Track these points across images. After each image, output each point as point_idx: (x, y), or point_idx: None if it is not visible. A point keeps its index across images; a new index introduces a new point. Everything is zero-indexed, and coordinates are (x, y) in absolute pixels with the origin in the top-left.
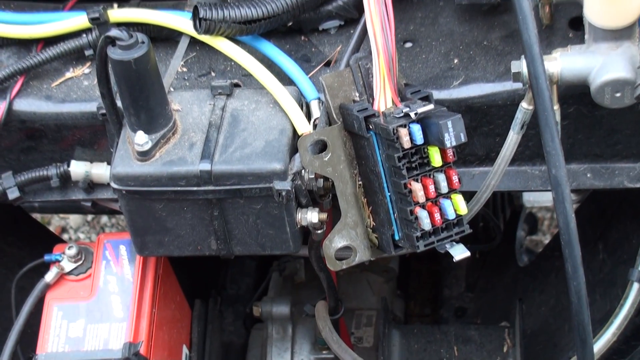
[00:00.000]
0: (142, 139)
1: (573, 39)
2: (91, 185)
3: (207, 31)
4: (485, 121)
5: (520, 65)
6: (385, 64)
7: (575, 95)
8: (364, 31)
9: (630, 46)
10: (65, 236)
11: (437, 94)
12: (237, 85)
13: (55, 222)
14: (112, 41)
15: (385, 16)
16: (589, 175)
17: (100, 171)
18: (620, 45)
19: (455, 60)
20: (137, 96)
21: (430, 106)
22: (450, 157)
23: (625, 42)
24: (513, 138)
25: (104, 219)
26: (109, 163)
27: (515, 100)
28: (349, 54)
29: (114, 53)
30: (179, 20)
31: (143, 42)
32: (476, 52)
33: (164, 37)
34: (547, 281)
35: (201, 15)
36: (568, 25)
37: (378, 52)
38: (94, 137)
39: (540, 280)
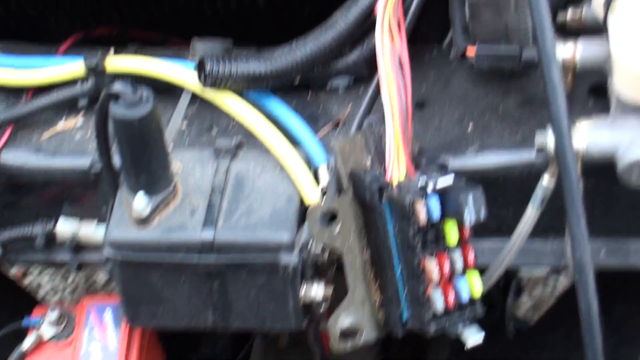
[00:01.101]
0: (141, 203)
1: (593, 107)
2: (78, 246)
3: (213, 85)
4: (500, 192)
5: (545, 137)
6: (401, 131)
7: (595, 169)
8: (377, 92)
9: None
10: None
11: (451, 162)
12: (241, 146)
13: None
14: (114, 97)
15: (401, 78)
16: (603, 252)
17: (88, 231)
18: None
19: (470, 127)
20: (139, 157)
21: (450, 179)
22: (467, 233)
23: None
24: (532, 214)
25: None
26: (99, 222)
27: (532, 172)
28: (360, 116)
29: (116, 110)
30: (182, 72)
31: (148, 99)
32: (492, 118)
33: (163, 88)
34: (542, 356)
35: (208, 69)
36: (588, 93)
37: (393, 117)
38: (85, 194)
39: (533, 355)
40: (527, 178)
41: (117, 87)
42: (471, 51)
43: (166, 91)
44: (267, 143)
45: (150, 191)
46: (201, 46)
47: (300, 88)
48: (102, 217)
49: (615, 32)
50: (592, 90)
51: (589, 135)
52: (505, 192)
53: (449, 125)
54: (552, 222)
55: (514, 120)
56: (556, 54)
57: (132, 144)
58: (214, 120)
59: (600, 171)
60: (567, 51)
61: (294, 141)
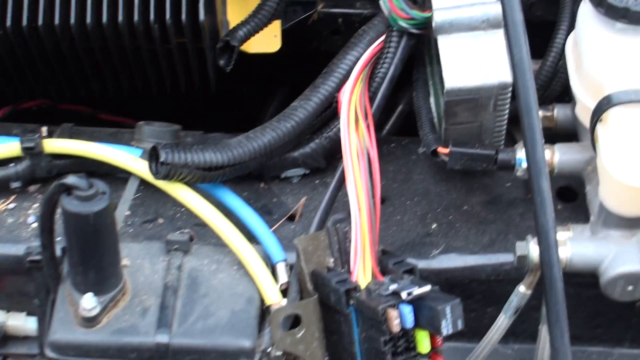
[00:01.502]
0: (89, 303)
1: (562, 211)
2: (5, 338)
3: (166, 177)
4: (464, 295)
5: (526, 248)
6: (368, 230)
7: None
8: (339, 186)
9: None
10: None
11: (416, 262)
12: (193, 239)
13: None
14: (66, 189)
15: (367, 172)
16: None
17: (17, 323)
18: (635, 234)
19: (434, 225)
20: (90, 254)
21: (427, 288)
22: (439, 342)
23: (639, 232)
24: (504, 322)
25: None
26: (28, 314)
27: (500, 276)
28: (321, 212)
29: (69, 204)
30: (128, 158)
31: (104, 193)
32: (456, 217)
33: (103, 173)
34: None
35: (162, 159)
36: (556, 196)
37: (360, 216)
38: (15, 284)
39: None
40: (494, 283)
41: (72, 179)
42: (444, 150)
43: (105, 176)
44: (224, 238)
45: (99, 289)
46: (149, 130)
47: (252, 178)
48: (33, 308)
49: (606, 144)
50: (560, 194)
51: (573, 247)
52: (469, 295)
53: (411, 223)
54: (512, 328)
55: (479, 221)
56: (546, 165)
57: (84, 240)
58: (159, 208)
59: (568, 277)
60: (546, 155)
61: (249, 236)
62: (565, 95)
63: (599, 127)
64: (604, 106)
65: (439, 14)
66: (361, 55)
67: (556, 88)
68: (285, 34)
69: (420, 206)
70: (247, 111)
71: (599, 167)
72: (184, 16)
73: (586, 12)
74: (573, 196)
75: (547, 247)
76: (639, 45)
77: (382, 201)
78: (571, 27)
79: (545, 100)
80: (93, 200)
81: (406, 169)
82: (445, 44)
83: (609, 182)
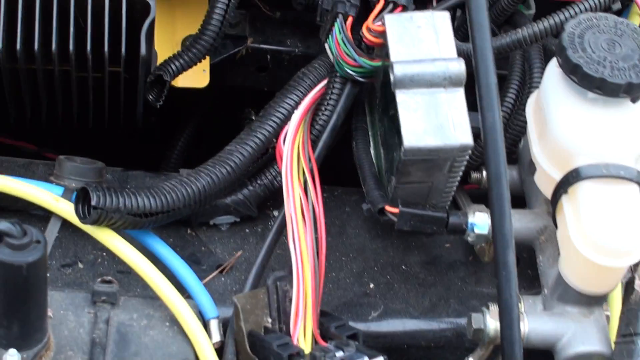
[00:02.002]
0: None
1: None
2: None
3: (96, 222)
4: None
5: (482, 322)
6: (312, 291)
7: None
8: (276, 239)
9: (601, 313)
10: None
11: (354, 324)
12: (109, 282)
13: None
14: None
15: (312, 228)
16: None
17: None
18: (593, 313)
19: (371, 285)
20: (18, 307)
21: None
22: None
23: (597, 309)
24: None
25: None
26: None
27: (441, 343)
28: (257, 267)
29: (1, 253)
30: (51, 198)
31: (39, 242)
32: (394, 277)
33: (15, 209)
34: None
35: (94, 203)
36: None
37: (303, 274)
38: None
39: None
40: (435, 349)
41: (3, 225)
42: (393, 210)
43: (17, 212)
44: (156, 291)
45: (23, 345)
46: (71, 167)
47: (178, 222)
48: None
49: (574, 219)
50: None
51: (530, 322)
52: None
53: (347, 281)
54: None
55: (418, 282)
56: (513, 237)
57: (13, 292)
58: (79, 251)
59: None
60: None
61: (179, 288)
62: (512, 154)
63: (565, 200)
64: (572, 179)
65: (400, 68)
66: (301, 99)
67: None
68: (210, 67)
69: (357, 263)
70: (156, 144)
71: (562, 241)
72: (123, 48)
73: (555, 77)
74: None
75: (510, 324)
76: (609, 116)
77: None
78: (521, 84)
79: None
80: (27, 250)
81: (340, 221)
82: (404, 100)
83: (574, 258)
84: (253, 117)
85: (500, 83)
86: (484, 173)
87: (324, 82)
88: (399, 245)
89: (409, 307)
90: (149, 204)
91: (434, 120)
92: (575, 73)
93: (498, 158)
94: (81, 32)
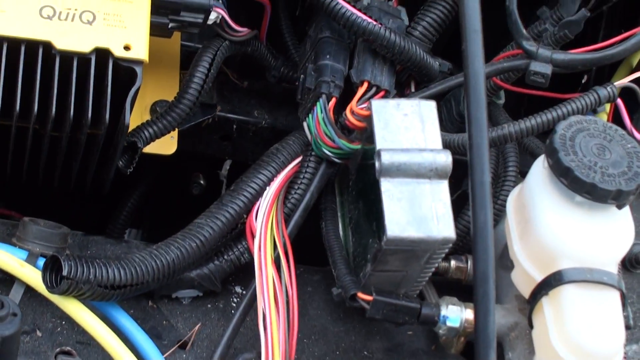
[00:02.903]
0: None
1: None
2: None
3: (65, 292)
4: None
5: None
6: None
7: None
8: (243, 318)
9: None
10: None
11: None
12: (68, 353)
13: None
14: None
15: (285, 312)
16: None
17: None
18: None
19: None
20: None
21: None
22: None
23: None
24: None
25: None
26: None
27: None
28: (222, 346)
29: None
30: (16, 262)
31: (15, 315)
32: None
33: None
34: None
35: (65, 273)
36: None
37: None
38: None
39: None
40: None
41: None
42: (366, 297)
43: None
44: None
45: None
46: (36, 230)
47: (139, 294)
48: None
49: (555, 322)
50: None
51: None
52: None
53: None
54: None
55: None
56: (495, 338)
57: None
58: (37, 319)
59: None
60: (468, 315)
61: None
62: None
63: (545, 302)
64: (554, 282)
65: (387, 156)
66: (274, 175)
67: None
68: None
69: (318, 346)
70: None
71: (538, 341)
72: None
73: (542, 177)
74: None
75: None
76: (595, 222)
77: None
78: (495, 177)
79: (458, 250)
80: (3, 323)
81: (302, 301)
82: (389, 188)
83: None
84: (202, 182)
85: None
86: (452, 262)
87: (298, 159)
88: (361, 330)
89: None
90: (119, 276)
91: (417, 211)
92: (566, 176)
93: (487, 258)
94: (64, 95)
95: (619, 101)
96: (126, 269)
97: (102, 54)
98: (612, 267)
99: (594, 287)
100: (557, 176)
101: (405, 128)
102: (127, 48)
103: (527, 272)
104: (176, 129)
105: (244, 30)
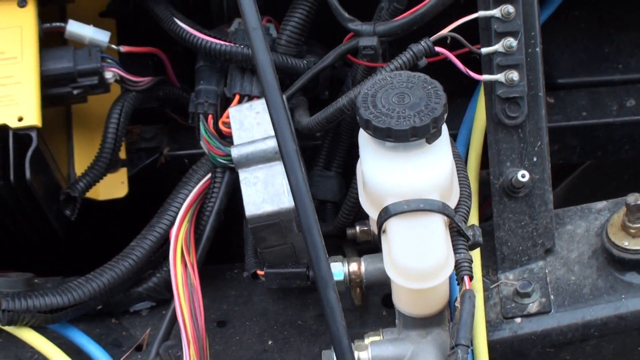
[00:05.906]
0: None
1: (387, 317)
2: None
3: (11, 323)
4: None
5: (331, 356)
6: (196, 354)
7: None
8: (174, 316)
9: (440, 332)
10: None
11: None
12: None
13: None
14: None
15: (195, 302)
16: None
17: None
18: (430, 332)
19: (270, 342)
20: None
21: None
22: None
23: (435, 329)
24: None
25: None
26: None
27: None
28: (159, 341)
29: None
30: None
31: None
32: (290, 332)
33: None
34: None
35: (3, 307)
36: (381, 303)
37: (188, 341)
38: None
39: None
40: None
41: None
42: (260, 273)
43: None
44: None
45: None
46: (2, 281)
47: (103, 315)
48: None
49: (387, 252)
50: (385, 301)
51: (372, 350)
52: None
53: (249, 342)
54: None
55: (311, 333)
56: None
57: None
58: (19, 353)
59: None
60: (353, 267)
61: None
62: None
63: (383, 238)
64: (381, 218)
65: (236, 151)
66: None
67: None
68: (135, 178)
69: (259, 325)
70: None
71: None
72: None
73: (363, 135)
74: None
75: (342, 354)
76: (409, 159)
77: (223, 324)
78: None
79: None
80: None
81: (247, 292)
82: (246, 177)
83: (395, 287)
84: None
85: None
86: (357, 228)
87: (209, 175)
88: (297, 304)
89: (301, 356)
90: (56, 301)
91: (271, 189)
92: (368, 127)
93: (306, 213)
94: None
95: (445, 50)
96: (62, 294)
97: (2, 129)
98: (434, 194)
99: (413, 215)
100: (364, 130)
101: (258, 124)
102: (20, 119)
103: (372, 218)
104: (125, 174)
105: (144, 79)
